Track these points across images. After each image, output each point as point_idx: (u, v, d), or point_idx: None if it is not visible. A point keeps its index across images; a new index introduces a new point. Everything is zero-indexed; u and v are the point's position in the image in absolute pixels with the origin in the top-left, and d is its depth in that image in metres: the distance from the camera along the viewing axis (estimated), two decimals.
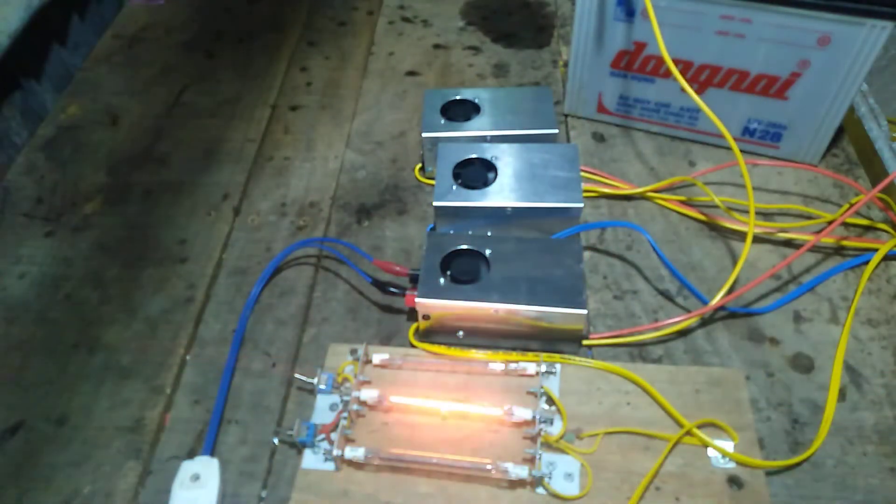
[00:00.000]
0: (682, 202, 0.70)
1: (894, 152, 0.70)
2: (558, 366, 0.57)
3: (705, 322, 0.61)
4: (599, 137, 0.78)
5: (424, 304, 0.56)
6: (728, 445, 0.52)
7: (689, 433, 0.52)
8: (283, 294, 0.64)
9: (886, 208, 0.67)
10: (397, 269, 0.60)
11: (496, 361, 0.57)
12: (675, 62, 0.70)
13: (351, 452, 0.51)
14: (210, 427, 0.54)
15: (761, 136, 0.73)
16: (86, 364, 0.59)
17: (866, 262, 0.64)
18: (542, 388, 0.55)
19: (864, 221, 0.67)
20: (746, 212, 0.69)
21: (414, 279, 0.58)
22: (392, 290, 0.60)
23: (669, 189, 0.71)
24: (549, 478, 0.50)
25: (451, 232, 0.64)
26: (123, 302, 0.64)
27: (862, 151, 0.74)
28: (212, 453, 0.53)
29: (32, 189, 0.75)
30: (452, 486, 0.51)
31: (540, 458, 0.50)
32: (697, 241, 0.67)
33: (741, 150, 0.75)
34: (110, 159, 0.78)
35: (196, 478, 0.50)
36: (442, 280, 0.57)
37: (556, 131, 0.69)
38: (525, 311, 0.55)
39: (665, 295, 0.63)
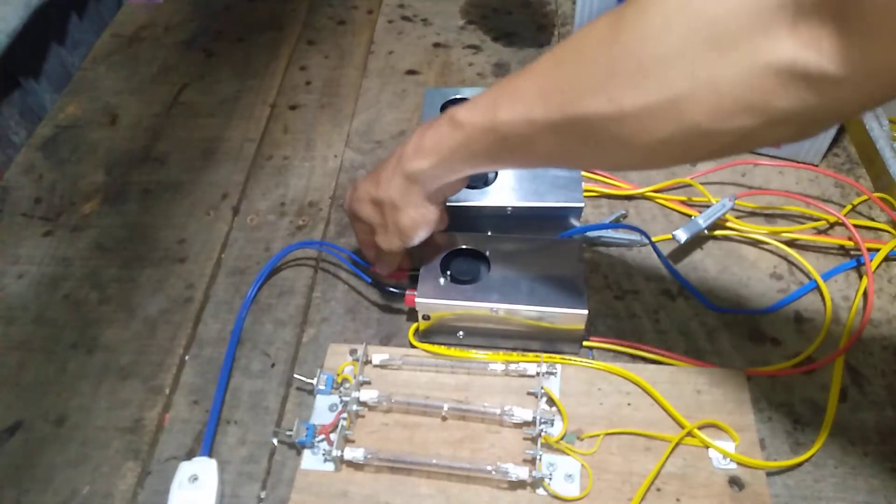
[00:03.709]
0: (683, 202, 0.69)
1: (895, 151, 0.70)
2: (559, 366, 0.57)
3: (706, 322, 0.61)
4: None
5: (424, 304, 0.56)
6: (729, 446, 0.52)
7: (690, 434, 0.52)
8: (283, 294, 0.64)
9: (888, 208, 0.66)
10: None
11: (496, 362, 0.56)
12: None
13: (350, 453, 0.51)
14: (208, 427, 0.54)
15: None
16: (84, 364, 0.59)
17: (868, 263, 0.63)
18: (542, 388, 0.54)
19: (866, 222, 0.67)
20: (748, 212, 0.69)
21: (414, 279, 0.58)
22: (392, 290, 0.60)
23: (670, 188, 0.71)
24: (550, 479, 0.50)
25: (451, 232, 0.64)
26: (122, 302, 0.64)
27: (863, 151, 0.73)
28: (210, 454, 0.53)
29: (31, 189, 0.75)
30: (452, 487, 0.51)
31: (540, 459, 0.50)
32: (699, 240, 0.67)
33: None
34: (109, 159, 0.78)
35: (194, 478, 0.50)
36: (442, 280, 0.57)
37: None
38: (525, 312, 0.55)
39: (666, 295, 0.63)
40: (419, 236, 0.54)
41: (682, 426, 0.53)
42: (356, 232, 0.59)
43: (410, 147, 0.50)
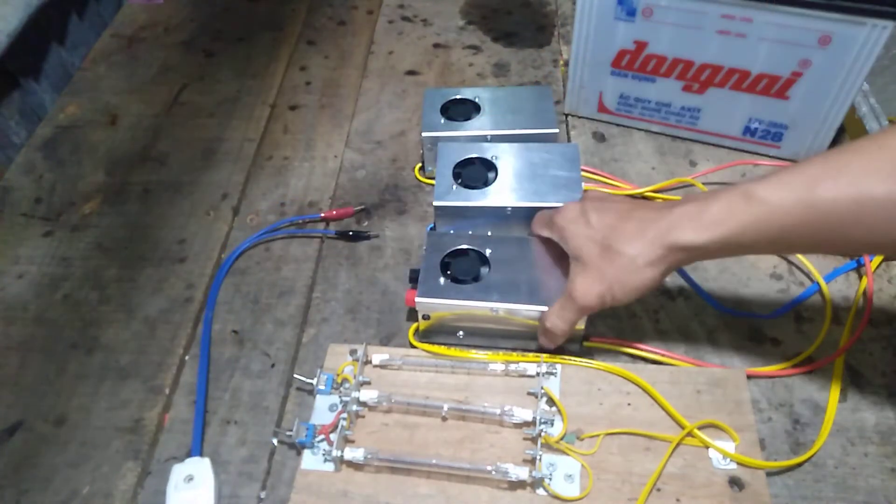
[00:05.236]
0: None
1: None
2: (559, 366, 0.57)
3: (706, 322, 0.61)
4: (600, 137, 0.78)
5: (424, 303, 0.56)
6: (729, 446, 0.52)
7: (690, 434, 0.52)
8: (283, 294, 0.64)
9: None
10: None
11: (496, 362, 0.56)
12: (676, 62, 0.70)
13: (350, 453, 0.51)
14: (195, 426, 0.54)
15: (762, 135, 0.73)
16: (84, 364, 0.59)
17: (868, 263, 0.63)
18: (542, 388, 0.54)
19: None
20: None
21: (414, 277, 0.58)
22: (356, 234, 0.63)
23: (670, 189, 0.71)
24: (550, 479, 0.50)
25: (451, 232, 0.64)
26: (122, 302, 0.64)
27: None
28: (201, 452, 0.53)
29: (31, 189, 0.75)
30: (452, 487, 0.51)
31: (540, 460, 0.50)
32: None
33: (742, 150, 0.75)
34: (109, 159, 0.78)
35: (190, 479, 0.50)
36: (442, 280, 0.57)
37: (557, 131, 0.69)
38: (525, 312, 0.55)
39: (666, 295, 0.63)
40: (629, 300, 0.50)
41: (682, 426, 0.52)
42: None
43: (681, 215, 0.47)
